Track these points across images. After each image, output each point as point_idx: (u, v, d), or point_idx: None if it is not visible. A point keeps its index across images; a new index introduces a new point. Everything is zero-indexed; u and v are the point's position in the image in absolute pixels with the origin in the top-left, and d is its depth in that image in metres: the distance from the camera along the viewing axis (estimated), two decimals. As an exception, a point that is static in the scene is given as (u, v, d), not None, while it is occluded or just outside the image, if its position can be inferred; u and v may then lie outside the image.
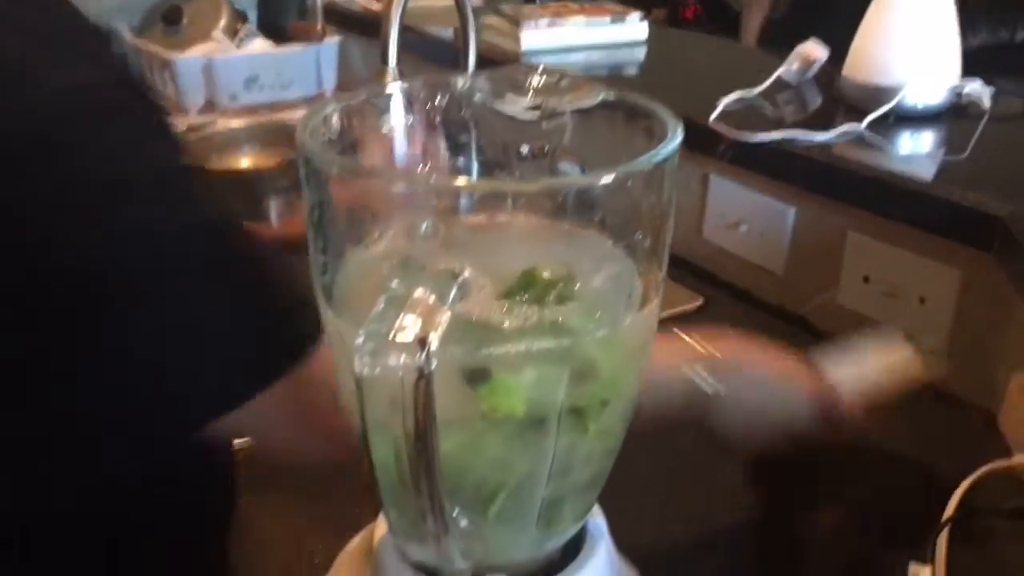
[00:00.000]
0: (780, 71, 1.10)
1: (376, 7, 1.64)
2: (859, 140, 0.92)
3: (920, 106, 0.97)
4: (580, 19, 1.36)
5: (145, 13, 1.63)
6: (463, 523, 0.36)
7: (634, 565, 0.48)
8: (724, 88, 1.04)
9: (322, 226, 0.37)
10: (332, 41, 1.57)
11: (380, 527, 0.42)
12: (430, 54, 1.42)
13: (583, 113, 0.44)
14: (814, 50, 1.11)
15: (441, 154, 0.47)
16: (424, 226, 0.37)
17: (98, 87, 0.48)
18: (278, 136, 1.38)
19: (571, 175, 0.38)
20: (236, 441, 0.65)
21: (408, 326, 0.30)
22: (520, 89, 0.45)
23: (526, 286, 0.36)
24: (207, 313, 0.46)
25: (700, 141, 0.95)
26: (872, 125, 0.93)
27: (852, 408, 0.64)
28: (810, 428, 0.63)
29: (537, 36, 1.32)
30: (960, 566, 0.55)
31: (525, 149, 0.46)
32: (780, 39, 1.37)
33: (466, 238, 0.38)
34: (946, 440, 0.76)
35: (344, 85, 1.60)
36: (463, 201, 0.37)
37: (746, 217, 0.99)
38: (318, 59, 1.54)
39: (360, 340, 0.30)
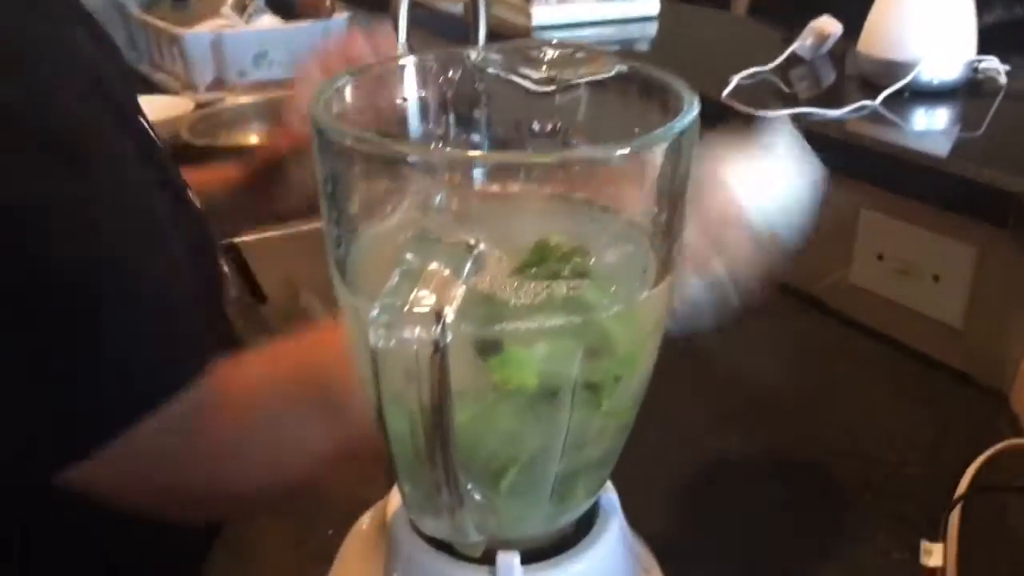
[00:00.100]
0: (794, 46, 1.09)
1: (385, -18, 1.63)
2: (873, 116, 0.91)
3: (935, 82, 0.96)
4: (591, -6, 1.35)
5: (153, -11, 1.63)
6: (476, 497, 0.36)
7: (646, 540, 0.48)
8: (737, 64, 1.03)
9: (335, 199, 0.37)
10: (341, 17, 1.56)
11: (393, 501, 0.42)
12: (440, 29, 1.41)
13: (597, 86, 0.43)
14: (828, 25, 1.10)
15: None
16: (438, 199, 0.37)
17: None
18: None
19: (587, 147, 0.38)
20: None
21: (423, 299, 0.30)
22: (534, 62, 0.44)
23: (540, 260, 0.36)
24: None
25: (712, 118, 0.94)
26: (887, 101, 0.93)
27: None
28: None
29: (548, 11, 1.31)
30: (972, 544, 0.55)
31: (537, 126, 0.46)
32: (771, 8, 1.36)
33: (480, 211, 0.38)
34: (959, 418, 0.76)
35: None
36: (477, 174, 0.37)
37: (758, 194, 0.98)
38: (327, 35, 1.54)
39: (375, 313, 0.30)
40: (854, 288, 0.90)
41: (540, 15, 1.31)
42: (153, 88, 1.55)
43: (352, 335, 0.38)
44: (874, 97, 0.93)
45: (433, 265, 0.31)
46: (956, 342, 0.82)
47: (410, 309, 0.30)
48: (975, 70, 0.99)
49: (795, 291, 0.96)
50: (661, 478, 0.67)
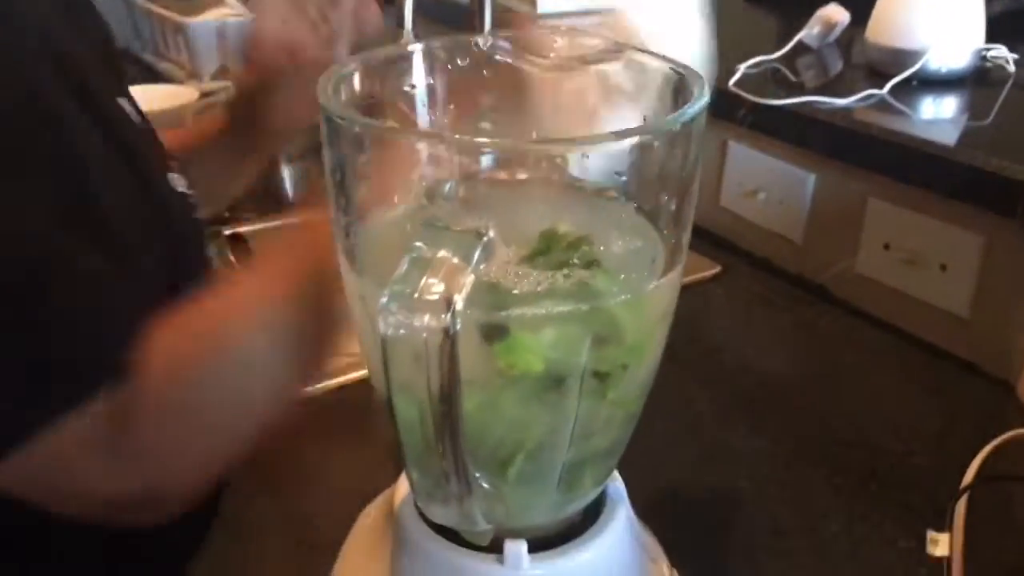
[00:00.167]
0: (801, 35, 1.08)
1: (390, -30, 1.62)
2: (881, 105, 0.91)
3: (944, 70, 0.95)
4: (597, -18, 1.35)
5: (158, -24, 1.62)
6: (484, 485, 0.36)
7: (653, 529, 0.48)
8: (743, 52, 1.03)
9: (344, 186, 0.37)
10: (346, 5, 1.55)
11: (401, 489, 0.42)
12: (445, 17, 1.40)
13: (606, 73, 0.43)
14: (835, 13, 1.09)
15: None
16: (447, 186, 0.37)
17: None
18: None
19: (597, 134, 0.38)
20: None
21: (432, 287, 0.30)
22: (542, 49, 0.44)
23: (548, 248, 0.36)
24: None
25: (719, 107, 0.94)
26: (894, 89, 0.92)
27: None
28: None
29: (553, -1, 1.31)
30: (978, 533, 0.55)
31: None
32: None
33: (489, 199, 0.38)
34: (966, 408, 0.76)
35: (357, 49, 1.58)
36: (485, 162, 0.37)
37: (765, 185, 0.98)
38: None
39: (384, 301, 0.29)
40: (861, 277, 0.90)
41: (545, 2, 1.30)
42: (158, 77, 1.54)
43: (361, 323, 0.38)
44: (882, 86, 0.92)
45: (442, 253, 0.31)
46: (963, 332, 0.81)
47: (420, 297, 0.30)
48: (983, 58, 0.98)
49: (802, 280, 0.95)
50: (668, 467, 0.67)
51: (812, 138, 0.91)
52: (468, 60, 0.44)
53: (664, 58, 0.40)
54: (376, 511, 0.45)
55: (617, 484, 0.44)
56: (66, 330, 0.44)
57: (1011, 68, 0.98)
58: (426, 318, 0.30)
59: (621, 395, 0.38)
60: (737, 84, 0.96)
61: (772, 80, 1.00)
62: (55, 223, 0.44)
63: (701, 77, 0.37)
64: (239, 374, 0.48)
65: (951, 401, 0.77)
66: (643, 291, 0.37)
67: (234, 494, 0.65)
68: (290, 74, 0.74)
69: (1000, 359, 0.78)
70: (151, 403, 0.45)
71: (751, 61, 1.01)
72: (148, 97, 1.04)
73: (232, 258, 0.99)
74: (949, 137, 0.85)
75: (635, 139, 0.34)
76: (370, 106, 0.41)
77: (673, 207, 0.38)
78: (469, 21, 1.15)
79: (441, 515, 0.36)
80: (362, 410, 0.69)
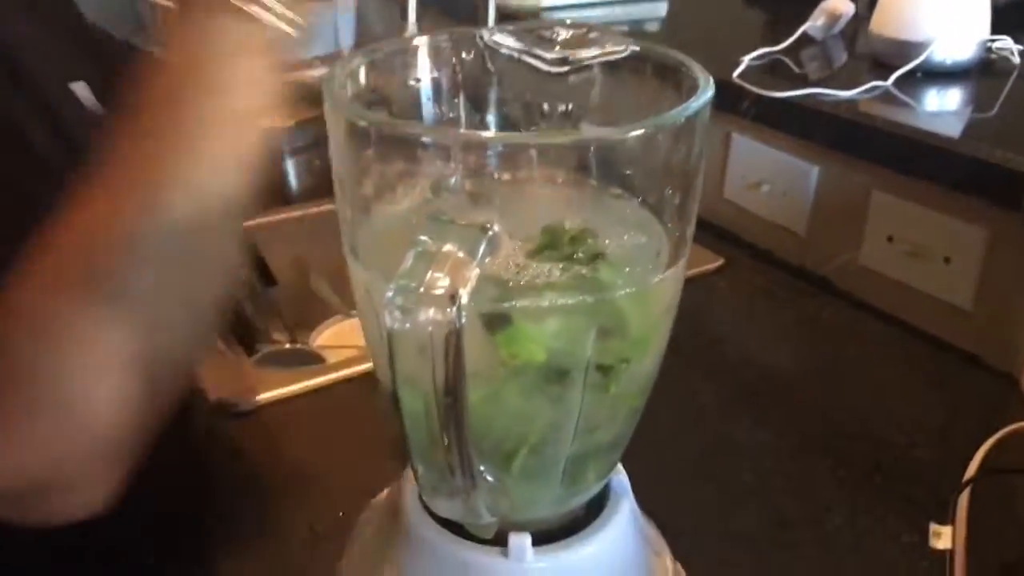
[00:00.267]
0: (805, 26, 1.08)
1: (393, -38, 1.62)
2: (885, 96, 0.91)
3: (948, 62, 0.95)
4: (601, -26, 1.34)
5: (161, -31, 1.62)
6: (488, 479, 0.37)
7: (657, 523, 0.48)
8: (748, 44, 1.03)
9: (350, 181, 0.37)
10: (349, -2, 1.55)
11: (407, 482, 0.43)
12: (449, 10, 1.40)
13: (611, 67, 0.43)
14: (840, 5, 1.09)
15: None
16: (452, 180, 0.37)
17: None
18: (296, 94, 1.37)
19: (601, 129, 0.38)
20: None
21: (438, 281, 0.30)
22: (547, 42, 0.44)
23: (553, 242, 0.36)
24: None
25: (722, 99, 0.93)
26: (899, 81, 0.92)
27: None
28: None
29: (557, -9, 1.31)
30: (981, 527, 0.55)
31: (549, 107, 0.46)
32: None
33: (494, 193, 0.38)
34: (969, 400, 0.76)
35: (362, 43, 1.58)
36: (491, 156, 0.37)
37: (768, 177, 0.98)
38: (336, 16, 1.53)
39: (390, 295, 0.30)
40: (864, 270, 0.89)
41: (549, -5, 1.30)
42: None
43: (367, 316, 0.38)
44: (886, 77, 0.92)
45: (447, 247, 0.31)
46: (966, 324, 0.81)
47: (425, 291, 0.30)
48: (988, 50, 0.98)
49: (805, 273, 0.95)
50: (671, 460, 0.67)
51: (816, 130, 0.91)
52: (473, 53, 0.44)
53: (665, 50, 0.40)
54: (382, 504, 0.45)
55: (621, 477, 0.44)
56: None
57: (1016, 60, 0.98)
58: (431, 312, 0.30)
59: (625, 389, 0.38)
60: (741, 76, 0.96)
61: (776, 72, 1.00)
62: None
63: (705, 71, 0.37)
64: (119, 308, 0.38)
65: (954, 394, 0.77)
66: (647, 284, 0.37)
67: (240, 487, 0.65)
68: None
69: (1003, 352, 0.78)
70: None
71: (755, 53, 1.01)
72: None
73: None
74: (953, 129, 0.85)
75: (639, 133, 0.34)
76: (375, 100, 0.41)
77: (677, 201, 0.38)
78: (474, 14, 1.15)
79: (446, 508, 0.36)
80: (368, 403, 0.69)
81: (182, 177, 0.39)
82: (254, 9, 0.40)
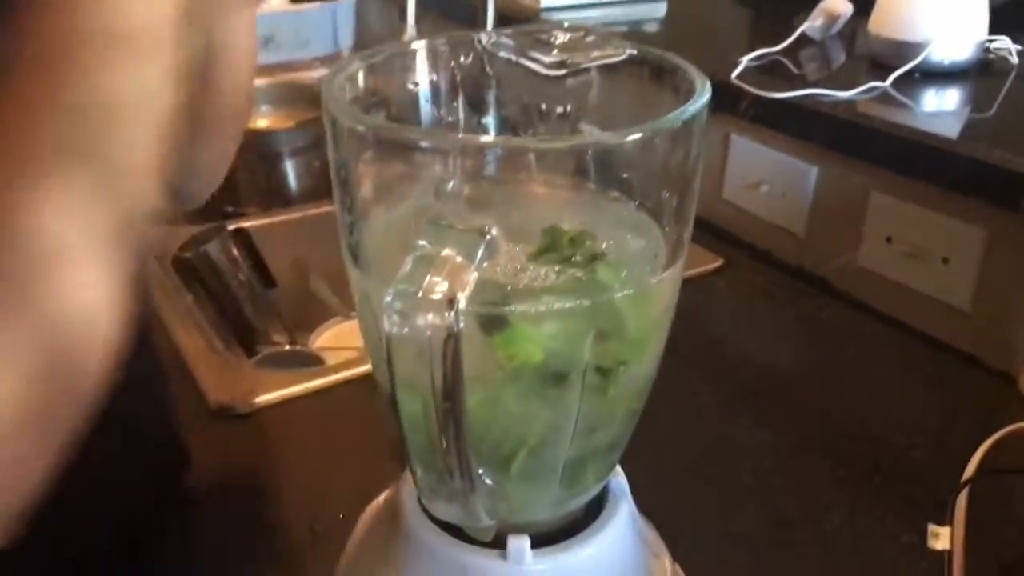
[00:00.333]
0: (804, 27, 1.08)
1: (392, -37, 1.63)
2: (884, 97, 0.91)
3: (946, 62, 0.95)
4: (600, -25, 1.35)
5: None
6: (487, 481, 0.37)
7: (656, 524, 0.48)
8: (746, 44, 1.03)
9: (348, 185, 0.37)
10: (348, -1, 1.55)
11: (406, 484, 0.43)
12: (448, 11, 1.40)
13: (608, 70, 0.43)
14: (838, 5, 1.09)
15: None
16: (450, 184, 0.37)
17: None
18: (295, 96, 1.38)
19: (598, 133, 0.38)
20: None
21: (436, 286, 0.30)
22: (545, 45, 0.44)
23: (552, 245, 0.36)
24: None
25: (721, 99, 0.94)
26: (897, 82, 0.92)
27: None
28: None
29: (556, -8, 1.31)
30: (979, 527, 0.55)
31: (547, 107, 0.46)
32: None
33: (492, 197, 0.38)
34: (968, 401, 0.76)
35: (361, 44, 1.58)
36: (488, 159, 0.37)
37: (767, 177, 0.98)
38: (335, 17, 1.53)
39: (389, 300, 0.30)
40: (863, 271, 0.90)
41: (548, -4, 1.30)
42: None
43: (365, 320, 0.38)
44: (884, 78, 0.92)
45: (446, 251, 0.31)
46: (965, 325, 0.81)
47: (423, 296, 0.30)
48: (986, 50, 0.98)
49: (804, 273, 0.95)
50: (670, 460, 0.68)
51: (814, 131, 0.91)
52: (471, 57, 0.44)
53: (662, 53, 0.40)
54: (381, 506, 0.45)
55: (620, 479, 0.44)
56: None
57: (1014, 60, 0.98)
58: (430, 317, 0.30)
59: (623, 391, 0.38)
60: (740, 77, 0.96)
61: (775, 73, 1.00)
62: None
63: (702, 74, 0.37)
64: None
65: (953, 394, 0.77)
66: (645, 287, 0.38)
67: (240, 489, 0.65)
68: None
69: (1002, 352, 0.78)
70: None
71: (754, 54, 1.01)
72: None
73: (236, 254, 0.99)
74: (952, 130, 0.85)
75: (636, 137, 0.34)
76: (374, 104, 0.41)
77: (675, 203, 0.38)
78: (473, 15, 1.15)
79: (444, 511, 0.36)
80: (368, 404, 0.69)
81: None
82: None
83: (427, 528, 0.40)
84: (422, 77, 0.43)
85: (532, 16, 1.29)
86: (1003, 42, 0.98)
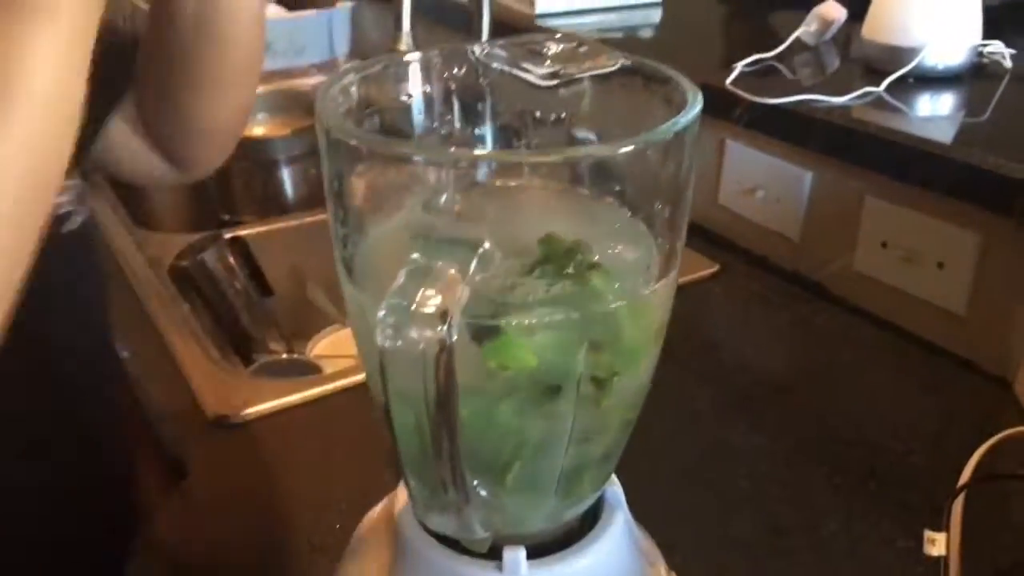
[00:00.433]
0: (798, 32, 1.09)
1: (388, -30, 1.63)
2: (878, 102, 0.91)
3: (940, 67, 0.95)
4: (595, -19, 1.35)
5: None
6: (482, 493, 0.37)
7: (651, 532, 0.48)
8: (741, 50, 1.03)
9: (342, 197, 0.37)
10: (345, 6, 1.55)
11: (400, 497, 0.43)
12: (443, 18, 1.40)
13: (601, 79, 0.43)
14: (832, 11, 1.10)
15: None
16: (444, 197, 0.37)
17: None
18: (292, 103, 1.38)
19: (590, 146, 0.38)
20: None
21: (429, 299, 0.30)
22: (537, 56, 0.44)
23: (545, 258, 0.36)
24: None
25: (716, 105, 0.95)
26: (891, 87, 0.92)
27: None
28: None
29: (551, -1, 1.31)
30: (975, 533, 0.56)
31: (541, 114, 0.46)
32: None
33: (485, 208, 0.38)
34: (963, 406, 0.76)
35: (357, 51, 1.59)
36: (481, 170, 0.37)
37: (762, 182, 0.98)
38: (331, 25, 1.53)
39: (382, 314, 0.30)
40: (858, 275, 0.90)
41: (543, 2, 1.30)
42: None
43: (359, 332, 0.38)
44: (878, 83, 0.92)
45: (439, 264, 0.31)
46: (960, 329, 0.82)
47: (417, 309, 0.30)
48: (980, 54, 0.99)
49: (799, 278, 0.96)
50: (666, 466, 0.68)
51: (809, 136, 0.91)
52: (464, 68, 0.44)
53: (656, 64, 0.40)
54: (376, 518, 0.45)
55: (615, 488, 0.44)
56: None
57: (1007, 64, 0.98)
58: (423, 330, 0.30)
59: (617, 401, 0.38)
60: (734, 83, 0.96)
61: (769, 78, 1.00)
62: None
63: (694, 86, 0.37)
64: None
65: (948, 399, 0.77)
66: (638, 297, 0.38)
67: (236, 499, 0.65)
68: None
69: (997, 356, 0.78)
70: None
71: (748, 60, 1.01)
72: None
73: (232, 262, 0.99)
74: (946, 135, 0.85)
75: (628, 149, 0.34)
76: (367, 115, 0.41)
77: (667, 214, 0.38)
78: (468, 22, 1.15)
79: (439, 523, 0.36)
80: (365, 413, 0.69)
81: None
82: None
83: (423, 540, 0.40)
84: (415, 88, 0.43)
85: (527, 23, 1.29)
86: (996, 46, 0.99)
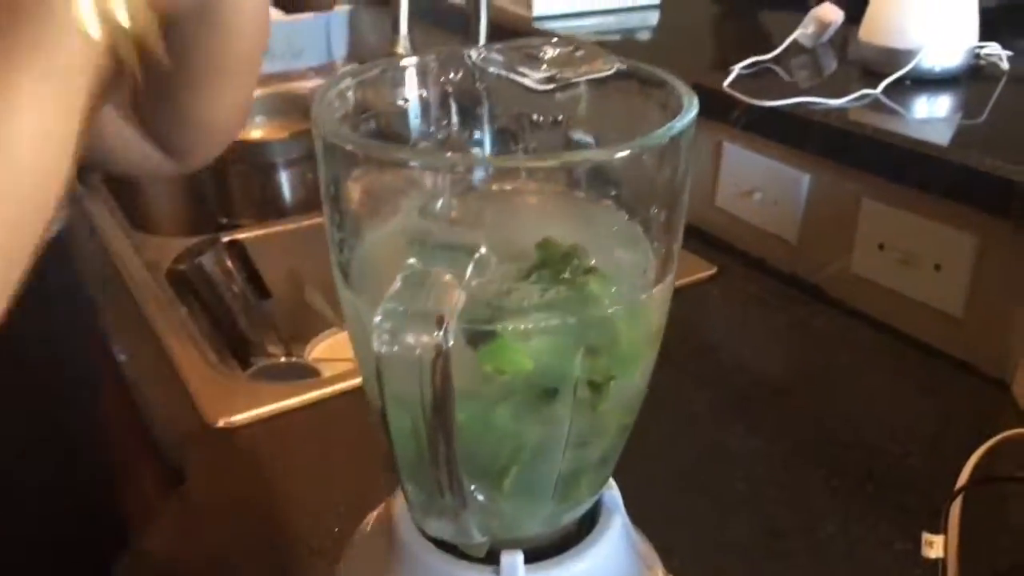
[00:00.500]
0: (795, 35, 1.09)
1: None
2: (875, 105, 0.91)
3: (937, 69, 0.96)
4: (592, -17, 1.35)
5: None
6: (479, 498, 0.37)
7: (649, 534, 0.48)
8: (738, 53, 1.03)
9: (338, 202, 0.37)
10: (342, 9, 1.56)
11: (398, 501, 0.43)
12: (441, 20, 1.40)
13: (597, 83, 0.43)
14: (830, 13, 1.10)
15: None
16: (440, 202, 0.37)
17: None
18: (289, 106, 1.38)
19: (586, 150, 0.38)
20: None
21: (425, 304, 0.30)
22: (534, 60, 0.44)
23: (542, 262, 0.36)
24: None
25: (714, 108, 0.95)
26: (888, 89, 0.92)
27: None
28: None
29: (549, 1, 1.31)
30: (973, 535, 0.56)
31: (537, 117, 0.46)
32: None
33: (482, 213, 0.38)
34: (961, 408, 0.76)
35: (355, 54, 1.59)
36: (477, 174, 0.37)
37: (760, 185, 0.98)
38: (328, 28, 1.53)
39: (378, 319, 0.30)
40: (856, 277, 0.90)
41: (541, 5, 1.31)
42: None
43: (356, 337, 0.38)
44: (875, 85, 0.92)
45: (435, 270, 0.31)
46: (957, 331, 0.82)
47: (413, 314, 0.30)
48: (977, 56, 0.99)
49: (797, 280, 0.96)
50: (664, 468, 0.68)
51: (806, 139, 0.91)
52: (461, 73, 0.44)
53: (651, 68, 0.40)
54: (374, 523, 0.45)
55: (613, 492, 0.44)
56: None
57: (1004, 66, 0.98)
58: (419, 336, 0.30)
59: (615, 405, 0.38)
60: (731, 85, 0.96)
61: (766, 80, 1.00)
62: None
63: (690, 90, 0.37)
64: None
65: (946, 401, 0.77)
66: (635, 302, 0.38)
67: (235, 503, 0.65)
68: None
69: (994, 358, 0.78)
70: None
71: (745, 62, 1.01)
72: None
73: (230, 266, 0.99)
74: (943, 137, 0.85)
75: (624, 154, 0.34)
76: (364, 120, 0.41)
77: (663, 218, 0.38)
78: (465, 24, 1.15)
79: (436, 528, 0.36)
80: (363, 416, 0.69)
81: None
82: None
83: (420, 544, 0.40)
84: (412, 93, 0.43)
85: (525, 26, 1.30)
86: (993, 48, 0.99)
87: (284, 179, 1.26)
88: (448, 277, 0.31)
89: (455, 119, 0.46)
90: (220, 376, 0.80)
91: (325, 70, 1.53)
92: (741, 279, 0.97)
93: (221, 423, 0.71)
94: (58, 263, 0.62)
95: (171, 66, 0.45)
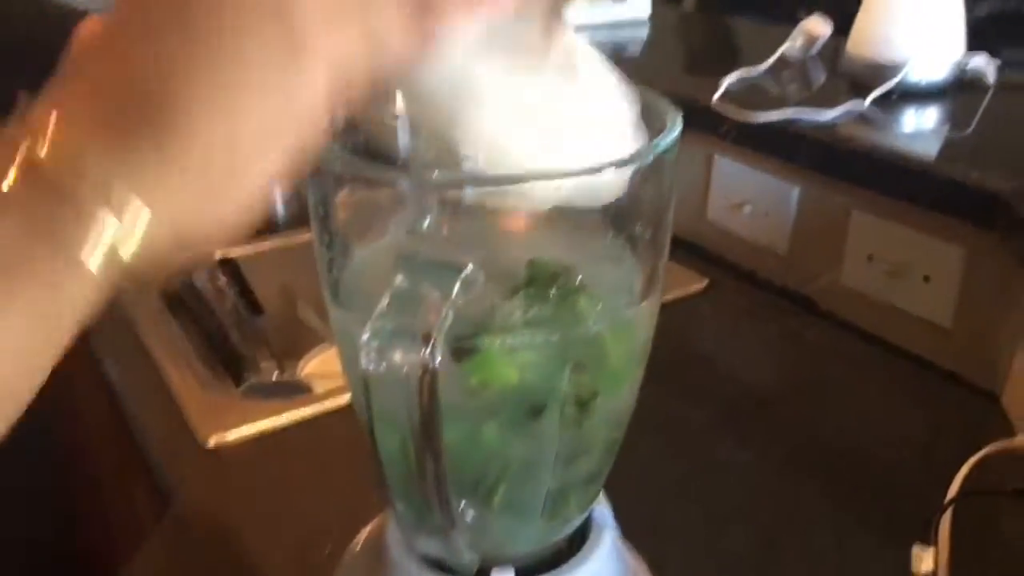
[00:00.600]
0: (783, 48, 1.10)
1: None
2: (863, 118, 0.92)
3: (924, 82, 0.96)
4: (582, -2, 1.36)
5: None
6: (469, 515, 0.37)
7: (640, 548, 0.48)
8: (727, 66, 1.04)
9: (327, 221, 0.37)
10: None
11: (389, 519, 0.43)
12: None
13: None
14: (818, 26, 1.11)
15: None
16: (428, 220, 0.37)
17: None
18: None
19: (571, 168, 0.38)
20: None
21: (413, 322, 0.30)
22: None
23: (529, 281, 0.37)
24: None
25: (703, 122, 0.95)
26: (876, 102, 0.93)
27: None
28: None
29: (539, 16, 1.32)
30: (964, 547, 0.56)
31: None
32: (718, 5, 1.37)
33: (469, 231, 0.39)
34: (950, 419, 0.77)
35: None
36: (465, 196, 0.38)
37: (750, 198, 0.98)
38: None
39: (366, 337, 0.30)
40: (846, 289, 0.90)
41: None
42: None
43: (345, 355, 0.39)
44: (863, 98, 0.93)
45: (423, 288, 0.32)
46: (946, 342, 0.82)
47: (400, 332, 0.30)
48: (963, 69, 0.99)
49: (787, 292, 0.96)
50: (655, 481, 0.68)
51: (795, 152, 0.92)
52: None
53: (637, 87, 0.41)
54: (365, 541, 0.45)
55: (603, 508, 0.44)
56: None
57: (991, 78, 0.99)
58: (407, 354, 0.30)
59: (601, 422, 0.39)
60: (721, 99, 0.97)
61: (755, 94, 1.01)
62: None
63: (674, 108, 0.38)
64: None
65: (936, 412, 0.78)
66: (621, 320, 0.38)
67: (227, 521, 0.65)
68: None
69: (984, 369, 0.79)
70: None
71: (734, 76, 1.02)
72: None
73: (223, 282, 0.99)
74: (930, 149, 0.86)
75: (611, 170, 0.35)
76: (353, 137, 0.41)
77: (649, 236, 0.38)
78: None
79: (426, 546, 0.36)
80: (355, 433, 0.69)
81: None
82: None
83: (411, 562, 0.40)
84: (401, 111, 0.43)
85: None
86: (980, 60, 1.00)
87: (276, 195, 1.27)
88: (435, 295, 0.31)
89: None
90: (213, 394, 0.80)
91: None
92: (732, 292, 0.97)
93: (212, 441, 0.71)
94: None
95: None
